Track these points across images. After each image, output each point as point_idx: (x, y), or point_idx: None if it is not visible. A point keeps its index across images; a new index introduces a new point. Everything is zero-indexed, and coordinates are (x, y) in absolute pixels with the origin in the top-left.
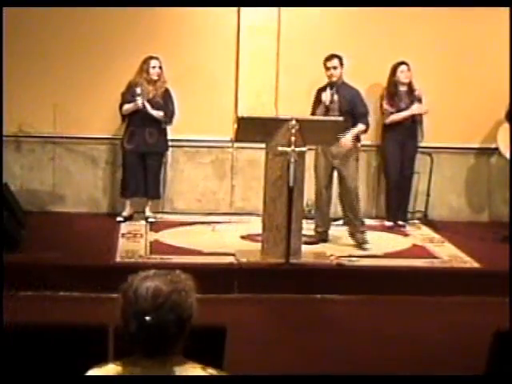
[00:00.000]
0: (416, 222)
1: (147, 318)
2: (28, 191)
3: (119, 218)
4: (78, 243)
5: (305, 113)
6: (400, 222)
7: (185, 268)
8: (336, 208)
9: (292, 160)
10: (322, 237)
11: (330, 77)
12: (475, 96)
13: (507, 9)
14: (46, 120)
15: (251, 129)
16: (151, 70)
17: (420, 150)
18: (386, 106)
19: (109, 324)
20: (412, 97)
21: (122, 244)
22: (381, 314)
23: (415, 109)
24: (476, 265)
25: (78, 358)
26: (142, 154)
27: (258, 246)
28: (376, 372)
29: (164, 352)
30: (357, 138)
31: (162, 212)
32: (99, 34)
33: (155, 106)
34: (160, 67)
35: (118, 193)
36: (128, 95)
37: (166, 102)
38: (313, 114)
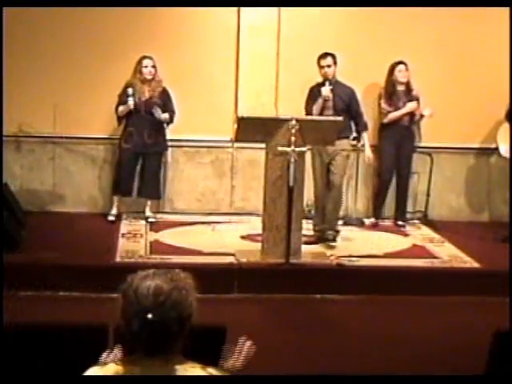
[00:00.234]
0: (416, 222)
1: (149, 315)
2: (28, 191)
3: (110, 218)
4: (77, 243)
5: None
6: (400, 222)
7: (185, 268)
8: None
9: (292, 160)
10: (321, 236)
11: (324, 75)
12: (475, 96)
13: (507, 9)
14: (46, 120)
15: (251, 129)
16: (144, 70)
17: (420, 149)
18: (383, 105)
19: (109, 324)
20: (410, 96)
21: (122, 244)
22: (381, 314)
23: (411, 106)
24: (476, 265)
25: (77, 357)
26: (139, 154)
27: (258, 246)
28: (376, 372)
29: (165, 351)
30: (348, 135)
31: (162, 212)
32: (99, 34)
33: (153, 106)
34: (153, 66)
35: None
36: (123, 96)
37: (164, 102)
38: (307, 112)
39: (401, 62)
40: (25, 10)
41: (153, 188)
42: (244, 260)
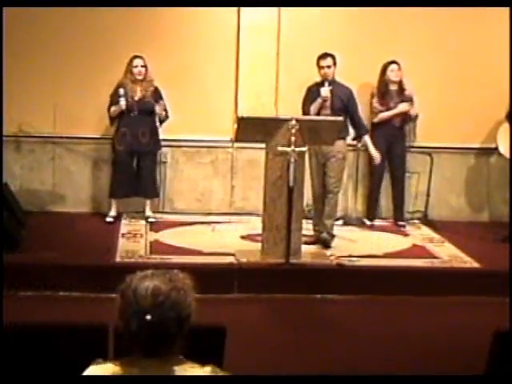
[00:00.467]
0: (416, 222)
1: (148, 316)
2: (28, 191)
3: (109, 219)
4: (77, 243)
5: None
6: (400, 223)
7: (185, 268)
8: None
9: (292, 160)
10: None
11: (324, 75)
12: (475, 96)
13: (507, 9)
14: (46, 120)
15: (251, 129)
16: (134, 70)
17: (420, 149)
18: (375, 104)
19: (109, 324)
20: (402, 96)
21: (122, 244)
22: (381, 314)
23: (402, 107)
24: (476, 265)
25: (78, 357)
26: (134, 154)
27: (258, 246)
28: (376, 372)
29: (163, 351)
30: (345, 135)
31: (162, 212)
32: (99, 33)
33: (147, 107)
34: (143, 66)
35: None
36: (115, 97)
37: (156, 101)
38: (304, 111)
39: (393, 62)
40: (25, 10)
41: (150, 187)
42: (244, 260)
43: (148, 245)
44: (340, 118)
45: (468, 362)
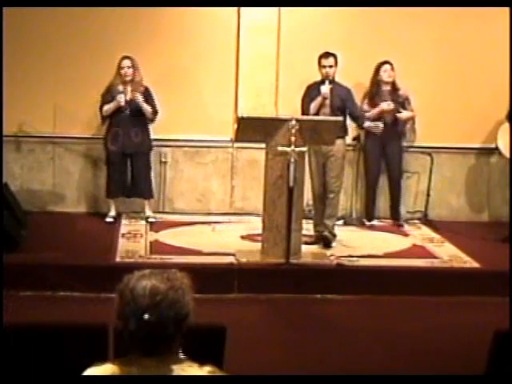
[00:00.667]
0: (416, 222)
1: (146, 316)
2: (28, 191)
3: (108, 219)
4: (78, 243)
5: None
6: (397, 222)
7: (185, 268)
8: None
9: (292, 160)
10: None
11: (325, 75)
12: (475, 96)
13: (507, 9)
14: (46, 120)
15: (251, 129)
16: (121, 71)
17: (420, 149)
18: (364, 105)
19: (109, 324)
20: (395, 96)
21: (122, 244)
22: (381, 314)
23: (383, 105)
24: (476, 265)
25: (78, 357)
26: (127, 154)
27: (258, 245)
28: (376, 372)
29: (162, 351)
30: (344, 135)
31: (162, 212)
32: (100, 34)
33: (137, 108)
34: (131, 67)
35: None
36: (107, 96)
37: (147, 101)
38: (303, 109)
39: (386, 62)
40: (25, 10)
41: (145, 188)
42: (244, 260)
43: (148, 245)
44: (340, 118)
45: (468, 362)
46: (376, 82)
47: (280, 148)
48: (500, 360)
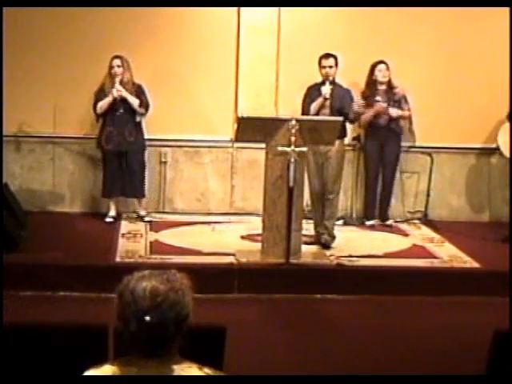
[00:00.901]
0: (416, 221)
1: (147, 317)
2: (28, 191)
3: (108, 219)
4: (78, 243)
5: None
6: (387, 222)
7: (184, 268)
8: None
9: (292, 160)
10: (319, 238)
11: (325, 75)
12: (476, 96)
13: (507, 9)
14: (46, 120)
15: (251, 129)
16: (111, 70)
17: (420, 149)
18: (355, 107)
19: (109, 324)
20: (391, 95)
21: (122, 244)
22: (381, 314)
23: (376, 106)
24: (476, 265)
25: (78, 357)
26: (122, 153)
27: (258, 245)
28: (376, 372)
29: (162, 352)
30: (342, 135)
31: (162, 212)
32: (100, 33)
33: (130, 107)
34: (120, 66)
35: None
36: (100, 94)
37: (138, 95)
38: (304, 110)
39: (381, 62)
40: (25, 10)
41: (138, 186)
42: (244, 260)
43: (148, 245)
44: (340, 118)
45: (468, 362)
46: (371, 81)
47: (280, 148)
48: (500, 360)
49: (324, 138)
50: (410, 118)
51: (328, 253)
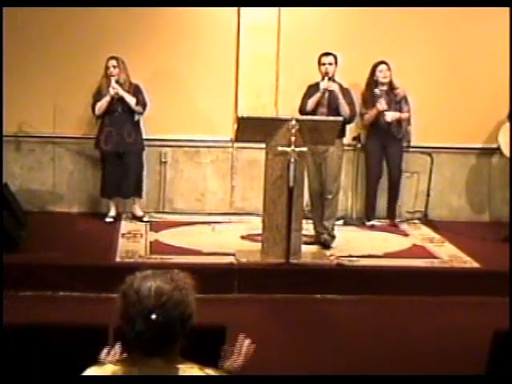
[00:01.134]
0: (416, 222)
1: (153, 316)
2: (28, 191)
3: (108, 219)
4: (78, 243)
5: None
6: (394, 222)
7: (184, 268)
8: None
9: (292, 160)
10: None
11: (324, 71)
12: (476, 96)
13: (507, 9)
14: (46, 120)
15: (251, 129)
16: (108, 71)
17: (420, 149)
18: (361, 108)
19: (109, 324)
20: (392, 96)
21: (122, 244)
22: (381, 314)
23: (377, 106)
24: (476, 265)
25: (78, 357)
26: (120, 153)
27: (258, 245)
28: (376, 372)
29: (165, 351)
30: (341, 135)
31: (162, 212)
32: (99, 33)
33: (128, 106)
34: (116, 67)
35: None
36: (98, 96)
37: (135, 95)
38: (302, 107)
39: (382, 62)
40: (25, 10)
41: (135, 187)
42: (244, 260)
43: (148, 245)
44: (340, 118)
45: (468, 362)
46: (372, 82)
47: (280, 148)
48: (500, 360)
49: (324, 138)
50: (408, 120)
51: (328, 253)
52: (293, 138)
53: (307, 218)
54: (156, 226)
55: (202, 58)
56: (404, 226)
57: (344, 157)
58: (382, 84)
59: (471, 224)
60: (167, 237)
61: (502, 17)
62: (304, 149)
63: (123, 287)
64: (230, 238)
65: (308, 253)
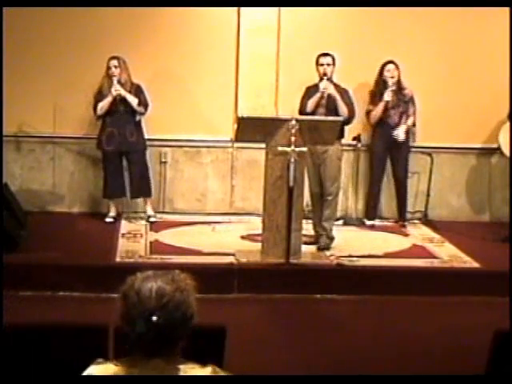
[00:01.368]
0: (416, 221)
1: (154, 317)
2: (28, 191)
3: (108, 219)
4: (78, 243)
5: None
6: (401, 223)
7: (185, 268)
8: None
9: (292, 160)
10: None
11: (323, 72)
12: (476, 96)
13: (507, 9)
14: (46, 120)
15: (251, 129)
16: (109, 71)
17: (420, 149)
18: (368, 105)
19: (109, 324)
20: (400, 96)
21: (122, 244)
22: (381, 314)
23: (386, 97)
24: (476, 265)
25: (78, 358)
26: (122, 153)
27: (258, 245)
28: (376, 372)
29: (166, 352)
30: (340, 136)
31: (162, 212)
32: (99, 33)
33: (130, 106)
34: (119, 66)
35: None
36: (99, 96)
37: (136, 95)
38: (301, 108)
39: (390, 62)
40: (25, 10)
41: (144, 186)
42: (244, 260)
43: (148, 245)
44: (340, 118)
45: (468, 362)
46: (380, 81)
47: (280, 148)
48: (500, 360)
49: (324, 138)
50: (414, 123)
51: (328, 253)
52: (293, 138)
53: (307, 218)
54: (156, 226)
55: (201, 58)
56: (407, 228)
57: (344, 157)
58: (390, 84)
59: (471, 224)
60: (167, 237)
61: (502, 17)
62: (304, 149)
63: (124, 288)
64: (230, 238)
65: (308, 253)
